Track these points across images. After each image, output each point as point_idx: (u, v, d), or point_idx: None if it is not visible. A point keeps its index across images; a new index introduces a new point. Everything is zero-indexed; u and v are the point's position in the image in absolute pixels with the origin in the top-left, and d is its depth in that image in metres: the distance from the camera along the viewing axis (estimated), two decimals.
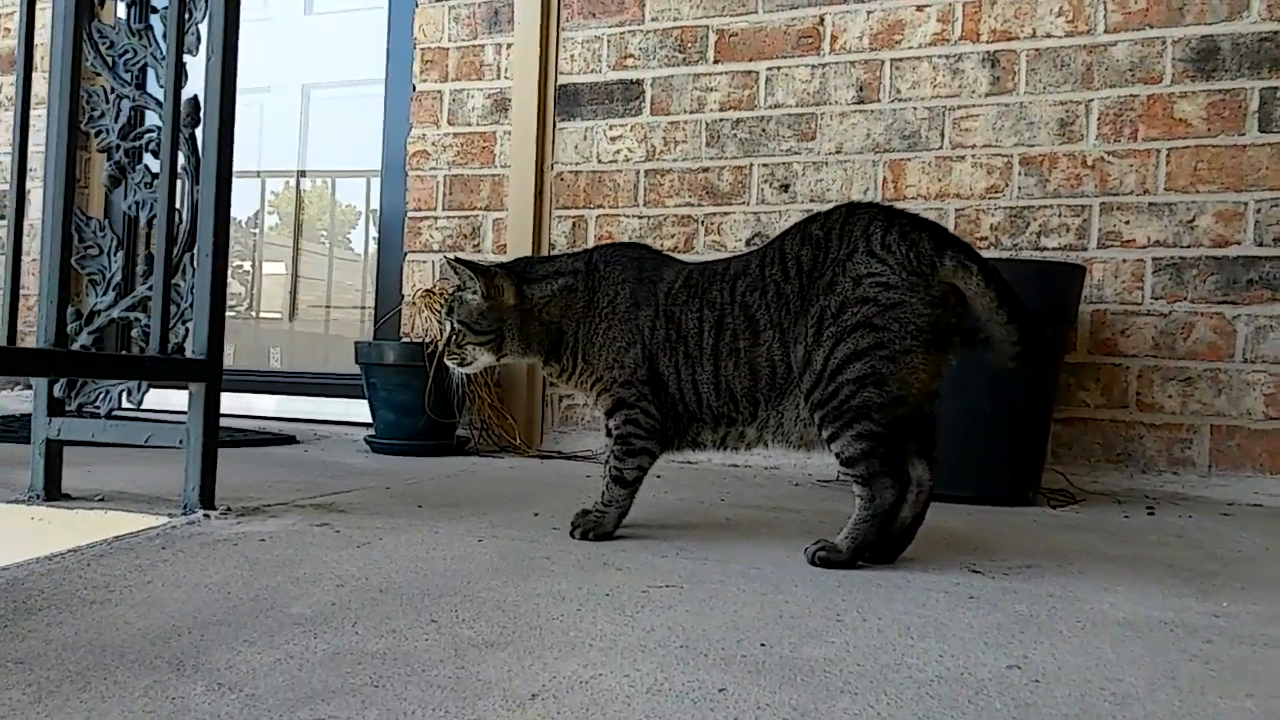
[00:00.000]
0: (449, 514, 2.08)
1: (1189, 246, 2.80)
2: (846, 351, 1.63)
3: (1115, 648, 1.24)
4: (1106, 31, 2.90)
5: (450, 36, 3.80)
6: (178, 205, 1.99)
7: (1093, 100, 2.91)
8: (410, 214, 3.85)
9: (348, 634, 1.21)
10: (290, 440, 3.51)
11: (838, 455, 1.66)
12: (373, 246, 5.16)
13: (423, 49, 3.85)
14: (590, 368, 1.88)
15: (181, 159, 1.98)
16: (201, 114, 1.98)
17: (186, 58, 1.98)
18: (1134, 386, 2.84)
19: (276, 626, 1.23)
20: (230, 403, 3.89)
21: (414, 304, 3.62)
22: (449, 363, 1.94)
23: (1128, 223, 2.86)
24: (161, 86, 1.99)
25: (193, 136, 2.01)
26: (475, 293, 1.89)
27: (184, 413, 1.90)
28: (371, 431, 3.43)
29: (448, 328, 1.93)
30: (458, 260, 1.90)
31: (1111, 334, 2.85)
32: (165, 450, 1.96)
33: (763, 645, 1.20)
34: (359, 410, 3.94)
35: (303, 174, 5.10)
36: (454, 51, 3.80)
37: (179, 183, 1.97)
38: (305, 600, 1.36)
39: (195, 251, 1.95)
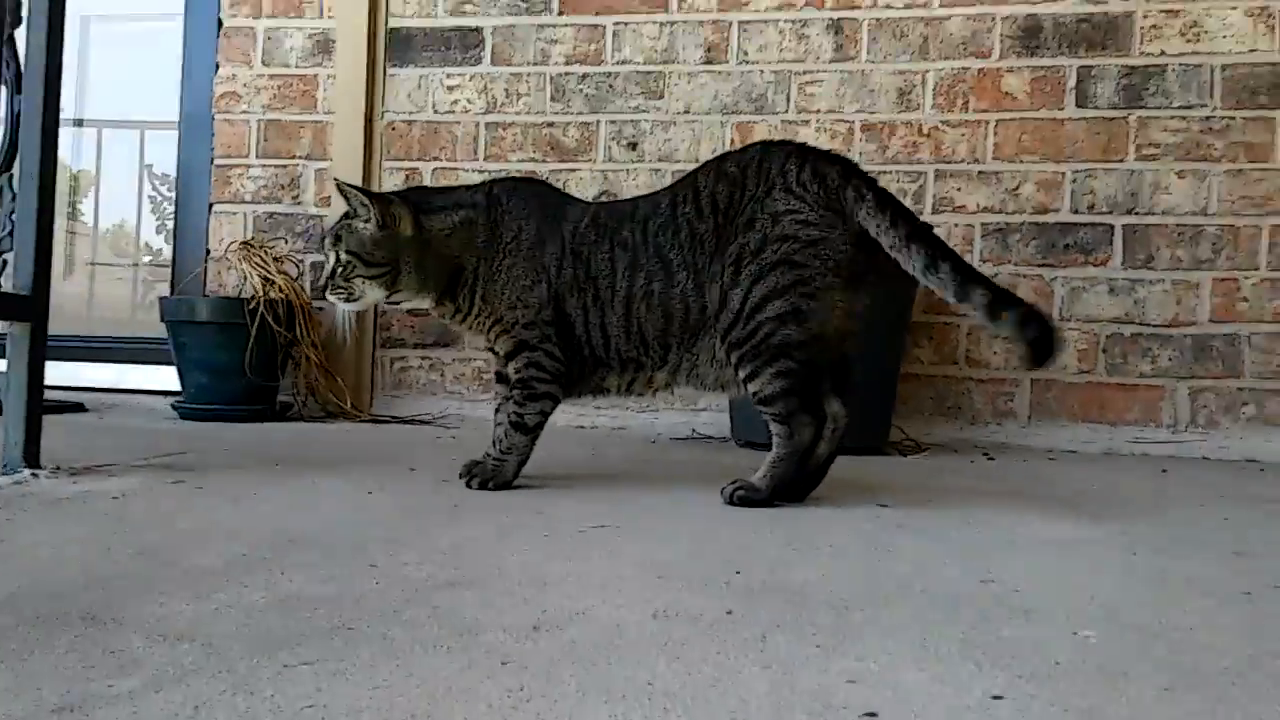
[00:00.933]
0: (316, 471, 1.90)
1: (1014, 213, 2.99)
2: (766, 289, 1.60)
3: (1060, 562, 1.29)
4: (942, 5, 3.04)
5: None
6: None
7: (929, 71, 3.05)
8: (218, 161, 3.50)
9: (280, 582, 1.06)
10: (78, 408, 3.12)
11: (755, 394, 1.64)
12: (147, 208, 4.72)
13: None
14: (490, 307, 1.75)
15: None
16: (25, 12, 1.70)
17: None
18: (964, 344, 3.01)
19: (188, 579, 1.06)
20: None
21: (225, 258, 3.31)
22: (332, 297, 1.75)
23: (959, 189, 3.02)
24: None
25: (12, 39, 1.72)
26: (368, 220, 1.72)
27: None
28: (179, 397, 3.10)
29: (331, 259, 1.74)
30: (348, 185, 1.73)
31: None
32: None
33: (738, 573, 1.15)
34: (140, 377, 3.57)
35: (80, 123, 4.54)
36: None
37: None
38: (206, 553, 1.19)
39: (17, 172, 1.67)
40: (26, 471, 1.63)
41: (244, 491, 1.61)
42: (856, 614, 0.99)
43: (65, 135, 4.60)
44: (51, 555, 1.15)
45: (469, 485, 1.73)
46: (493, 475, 1.73)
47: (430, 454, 2.25)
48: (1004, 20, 3.00)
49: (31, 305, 1.63)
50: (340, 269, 1.73)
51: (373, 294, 1.76)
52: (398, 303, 1.83)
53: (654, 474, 2.09)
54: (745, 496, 1.62)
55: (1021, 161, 2.99)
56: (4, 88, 1.66)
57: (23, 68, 1.66)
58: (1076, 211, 2.95)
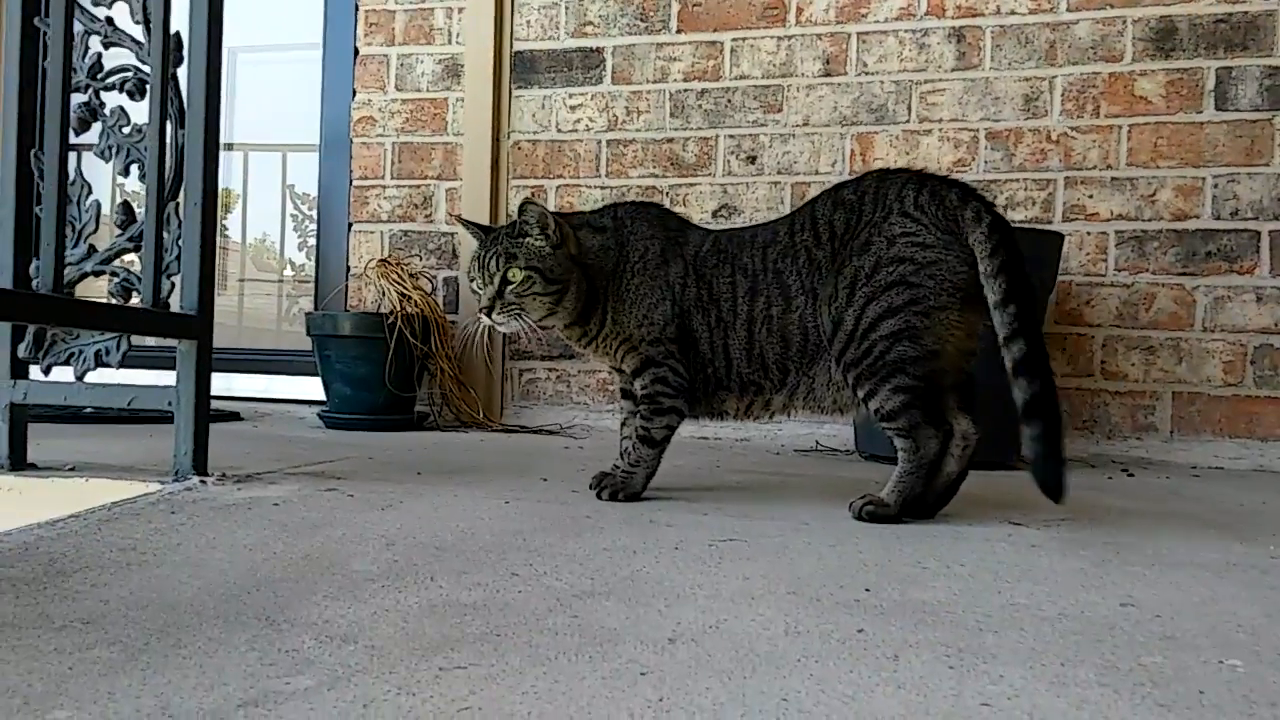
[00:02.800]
0: (455, 480, 1.99)
1: (1150, 220, 2.89)
2: (880, 309, 1.61)
3: (1205, 586, 1.26)
4: (1069, 10, 2.97)
5: None
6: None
7: (1056, 77, 2.98)
8: (356, 182, 3.69)
9: (431, 588, 1.13)
10: (235, 416, 3.32)
11: (876, 411, 1.64)
12: (289, 225, 4.97)
13: (366, 10, 3.69)
14: (618, 327, 1.81)
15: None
16: (185, 53, 1.84)
17: None
18: (1099, 355, 2.92)
19: (350, 583, 1.14)
20: (152, 378, 3.68)
21: (364, 275, 3.47)
22: (500, 318, 1.76)
23: (1091, 196, 2.94)
24: (136, 22, 1.84)
25: (175, 76, 1.86)
26: (543, 238, 1.76)
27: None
28: (324, 407, 3.28)
29: (498, 278, 1.75)
30: (529, 202, 1.76)
31: (1077, 304, 2.93)
32: (130, 426, 1.82)
33: (867, 590, 1.17)
34: (285, 387, 3.78)
35: (229, 147, 4.84)
36: (400, 14, 3.65)
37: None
38: (363, 558, 1.27)
39: (182, 200, 1.81)
40: (196, 478, 1.76)
41: (391, 500, 1.70)
42: (990, 636, 1.00)
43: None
44: (225, 558, 1.25)
45: (599, 496, 1.78)
46: (622, 486, 1.78)
47: (559, 464, 2.33)
48: (1135, 23, 2.92)
49: (198, 324, 1.76)
50: (513, 286, 1.75)
51: (536, 313, 1.78)
52: (548, 325, 1.84)
53: (780, 487, 2.11)
54: (874, 512, 1.62)
55: (1158, 167, 2.89)
56: (170, 122, 1.80)
57: (185, 104, 1.80)
58: (1218, 218, 2.84)
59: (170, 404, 1.77)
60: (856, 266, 1.64)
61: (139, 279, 1.83)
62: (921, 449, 1.62)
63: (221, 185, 4.99)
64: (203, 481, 1.75)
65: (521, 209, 1.77)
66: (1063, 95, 2.97)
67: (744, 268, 1.77)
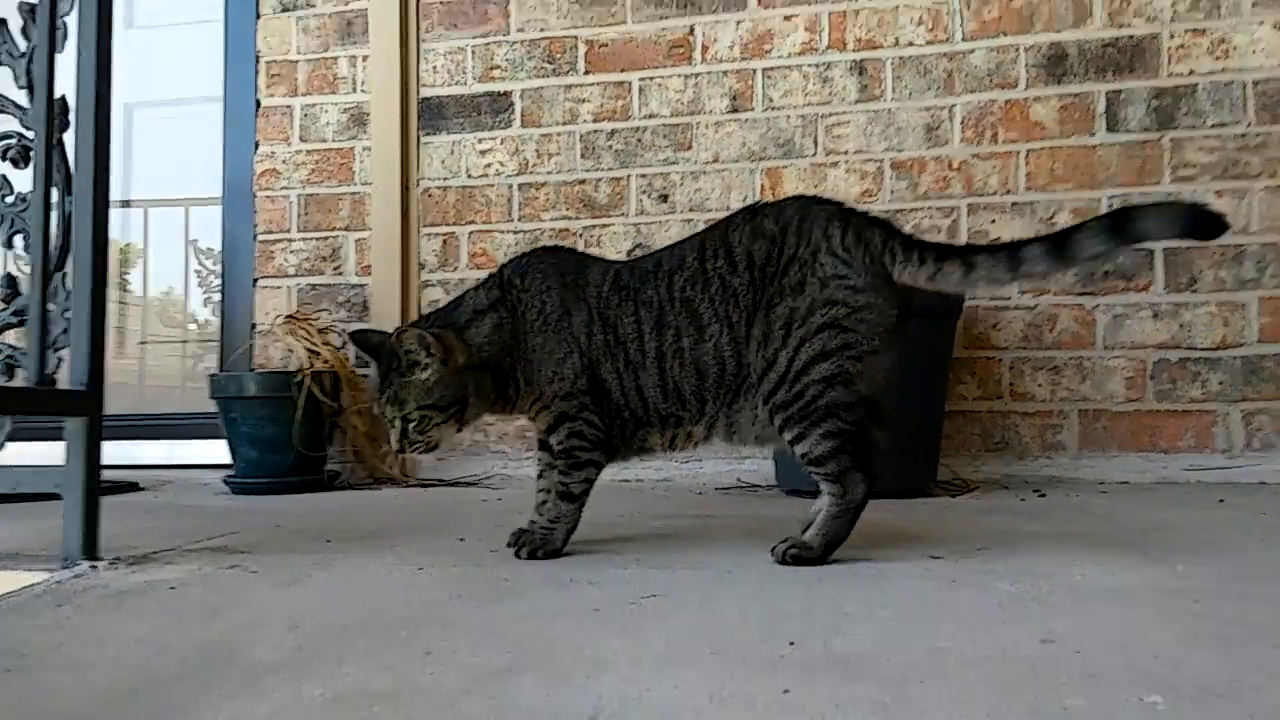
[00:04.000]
0: (366, 547, 1.92)
1: None
2: (813, 352, 1.60)
3: (1122, 615, 1.26)
4: (964, 39, 3.05)
5: (299, 49, 3.59)
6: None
7: (955, 105, 3.05)
8: (261, 237, 3.59)
9: (338, 676, 1.07)
10: (133, 487, 3.18)
11: (804, 456, 1.63)
12: (193, 281, 4.82)
13: (268, 62, 3.62)
14: (531, 387, 1.76)
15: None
16: (72, 117, 1.76)
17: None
18: (1007, 377, 2.97)
19: (249, 676, 1.07)
20: (41, 452, 3.49)
21: (271, 332, 3.37)
22: (414, 453, 1.75)
23: (994, 222, 3.01)
24: (20, 87, 1.76)
25: (61, 142, 1.78)
26: (428, 366, 1.70)
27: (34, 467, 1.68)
28: (230, 472, 3.16)
29: (398, 422, 1.72)
30: (404, 332, 1.70)
31: (984, 328, 2.98)
32: (17, 506, 1.71)
33: (792, 644, 1.14)
34: (190, 452, 3.64)
35: (127, 204, 4.68)
36: (304, 64, 3.59)
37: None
38: (264, 646, 1.20)
39: (70, 270, 1.72)
40: (86, 564, 1.66)
41: (297, 575, 1.63)
42: (916, 687, 0.97)
43: (114, 215, 4.76)
44: (114, 656, 1.17)
45: (518, 554, 1.73)
46: (541, 544, 1.73)
47: (476, 519, 2.26)
48: (1028, 50, 3.01)
49: (87, 400, 1.67)
50: (413, 425, 1.72)
51: (449, 432, 1.76)
52: (468, 425, 1.82)
53: (703, 532, 2.08)
54: (798, 555, 1.60)
55: (1055, 190, 2.97)
56: (56, 189, 1.72)
57: (73, 169, 1.72)
58: None
59: (57, 486, 1.67)
60: (791, 307, 1.63)
61: (25, 354, 1.74)
62: (849, 493, 1.61)
63: (122, 241, 4.84)
64: (93, 567, 1.65)
65: (399, 341, 1.71)
66: (962, 123, 3.04)
67: (648, 301, 1.73)
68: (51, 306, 1.69)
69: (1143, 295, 2.89)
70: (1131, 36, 2.94)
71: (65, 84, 1.78)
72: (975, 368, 2.98)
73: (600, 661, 1.09)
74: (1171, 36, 2.91)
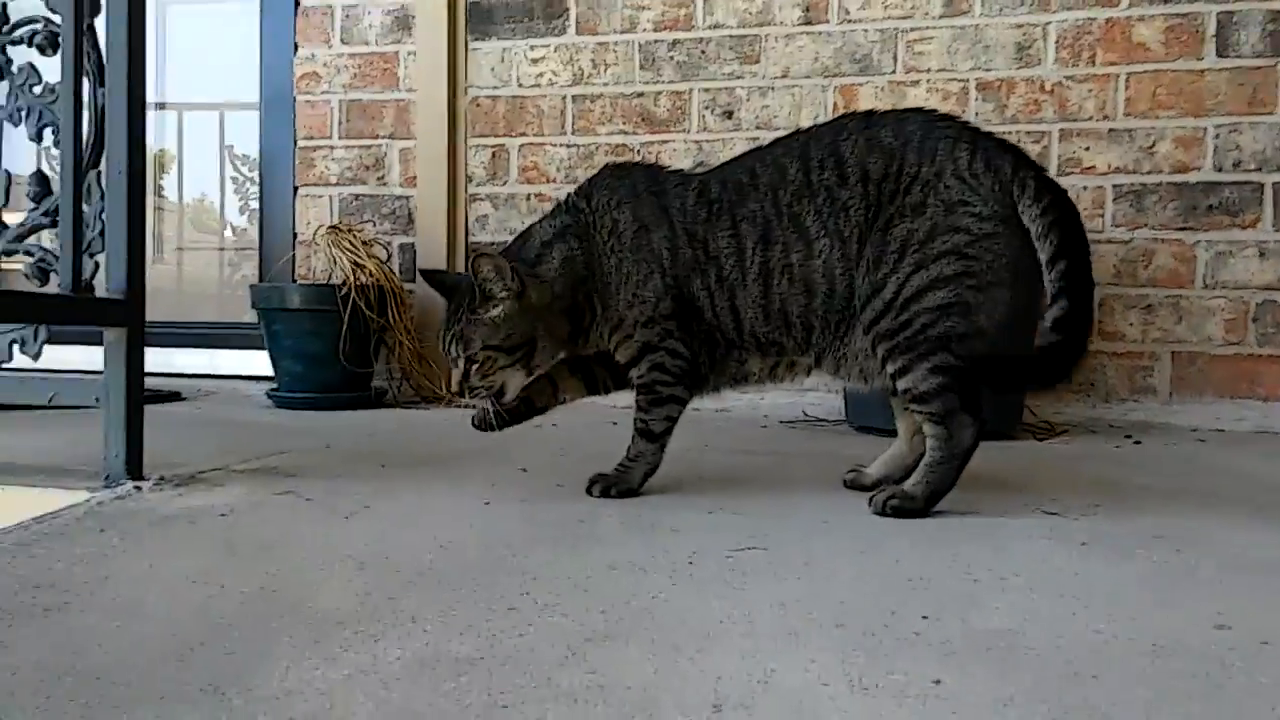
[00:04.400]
0: (425, 474, 1.80)
1: (1149, 173, 2.75)
2: (928, 278, 1.45)
3: None
4: None
5: None
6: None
7: (1050, 23, 2.81)
8: (301, 143, 3.43)
9: (414, 634, 0.94)
10: (175, 396, 3.08)
11: (907, 391, 1.48)
12: (230, 188, 4.67)
13: None
14: (608, 316, 1.61)
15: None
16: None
17: None
18: (1095, 315, 2.79)
19: (317, 630, 0.95)
20: (83, 357, 3.39)
21: (314, 242, 3.23)
22: (475, 400, 1.61)
23: (1087, 149, 2.79)
24: None
25: (92, 27, 1.62)
26: (501, 301, 1.55)
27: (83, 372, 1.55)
28: (273, 385, 3.05)
29: (461, 362, 1.58)
30: (480, 254, 1.54)
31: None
32: (54, 414, 1.60)
33: (925, 619, 1.01)
34: (230, 362, 3.54)
35: (161, 106, 4.51)
36: None
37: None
38: (329, 591, 1.08)
39: (104, 168, 1.57)
40: (130, 484, 1.55)
41: (356, 503, 1.51)
42: (1091, 685, 0.84)
43: (148, 119, 4.60)
44: (164, 598, 1.05)
45: (590, 491, 1.61)
46: (616, 482, 1.60)
47: (535, 448, 2.14)
48: None
49: (127, 310, 1.54)
50: (476, 366, 1.58)
51: (516, 377, 1.61)
52: (537, 371, 1.65)
53: (779, 471, 1.95)
54: (899, 506, 1.46)
55: (1157, 117, 2.75)
56: (86, 80, 1.56)
57: (104, 58, 1.56)
58: (1220, 170, 2.70)
59: (98, 400, 1.55)
60: (910, 228, 1.47)
61: (58, 258, 1.60)
62: (955, 437, 1.46)
63: (155, 146, 4.69)
64: (137, 487, 1.54)
65: (473, 267, 1.55)
66: (1057, 43, 2.81)
67: (750, 215, 1.57)
68: (85, 207, 1.55)
69: (1249, 232, 2.68)
70: None
71: None
72: None
73: (708, 632, 0.96)
74: None
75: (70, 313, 1.53)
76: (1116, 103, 2.77)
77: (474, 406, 1.67)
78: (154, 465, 1.70)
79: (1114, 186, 2.77)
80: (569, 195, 1.69)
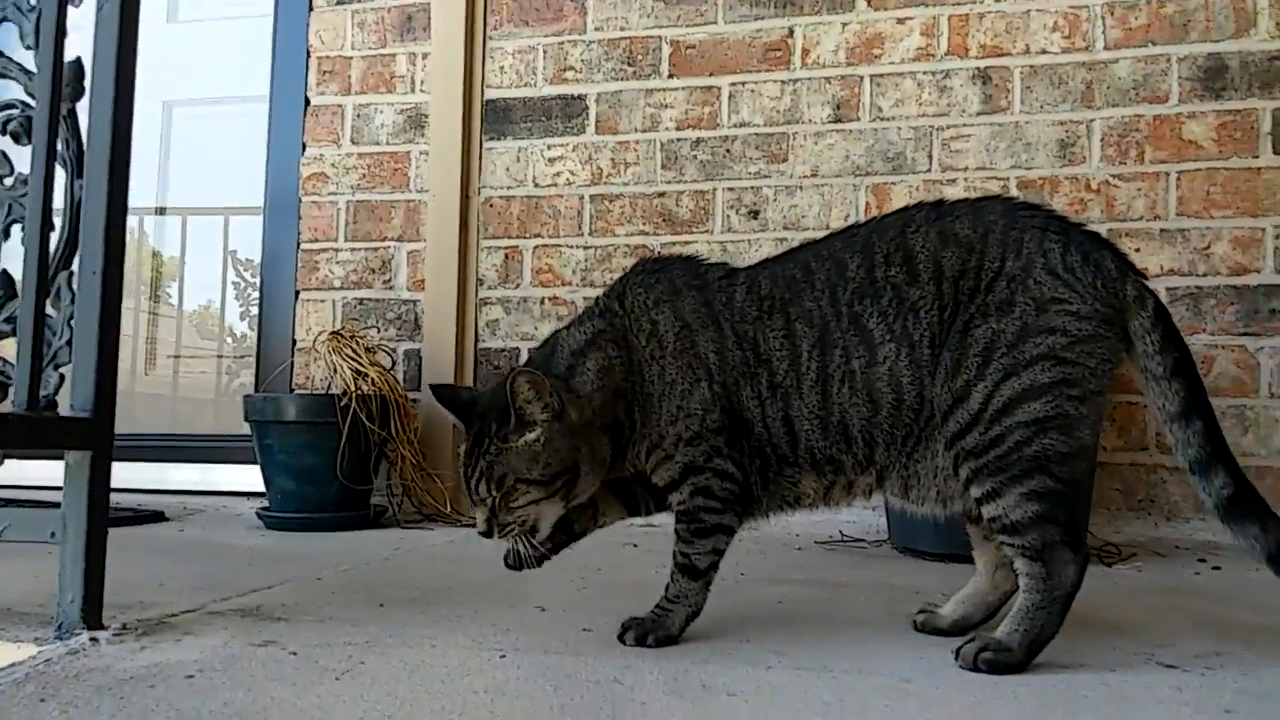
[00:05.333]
0: (428, 617, 1.57)
1: (1205, 275, 2.58)
2: (1021, 386, 1.25)
3: None
4: (1106, 48, 2.68)
5: (354, 44, 3.29)
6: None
7: (1094, 120, 2.69)
8: (305, 245, 3.29)
9: None
10: (158, 516, 2.85)
11: (995, 519, 1.27)
12: (231, 293, 4.53)
13: (320, 58, 3.33)
14: (647, 432, 1.40)
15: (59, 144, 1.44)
16: (87, 84, 1.45)
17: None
18: (1153, 426, 2.58)
19: None
20: (52, 473, 3.17)
21: (313, 349, 3.05)
22: (508, 540, 1.40)
23: (1138, 250, 2.63)
24: (27, 48, 1.45)
25: (73, 113, 1.47)
26: (538, 424, 1.34)
27: (43, 490, 1.34)
28: (264, 503, 2.83)
29: (489, 499, 1.37)
30: (519, 373, 1.33)
31: (1127, 369, 2.59)
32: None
33: None
34: (224, 477, 3.33)
35: (162, 211, 4.40)
36: (359, 61, 3.29)
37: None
38: None
39: (77, 268, 1.39)
40: (86, 634, 1.32)
41: (346, 660, 1.28)
42: None
43: (148, 223, 4.49)
44: None
45: (623, 639, 1.37)
46: (655, 628, 1.37)
47: (553, 578, 1.90)
48: (1181, 61, 2.64)
49: (93, 430, 1.34)
50: (507, 504, 1.37)
51: (553, 512, 1.39)
52: (578, 501, 1.43)
53: (834, 606, 1.71)
54: (993, 659, 1.23)
55: (1212, 217, 2.60)
56: (64, 170, 1.40)
57: (85, 147, 1.39)
58: None
59: (54, 534, 1.34)
60: (995, 330, 1.28)
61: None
62: (1055, 576, 1.24)
63: (160, 251, 4.56)
64: (94, 639, 1.31)
65: (511, 387, 1.33)
66: (1102, 140, 2.68)
67: (806, 315, 1.38)
68: (53, 313, 1.37)
69: None
70: None
71: (81, 46, 1.47)
72: (1115, 414, 2.60)
73: None
74: None
75: (27, 433, 1.32)
76: (1168, 202, 2.62)
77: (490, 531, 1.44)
78: (119, 605, 1.48)
79: (1168, 289, 2.60)
80: (599, 297, 1.51)
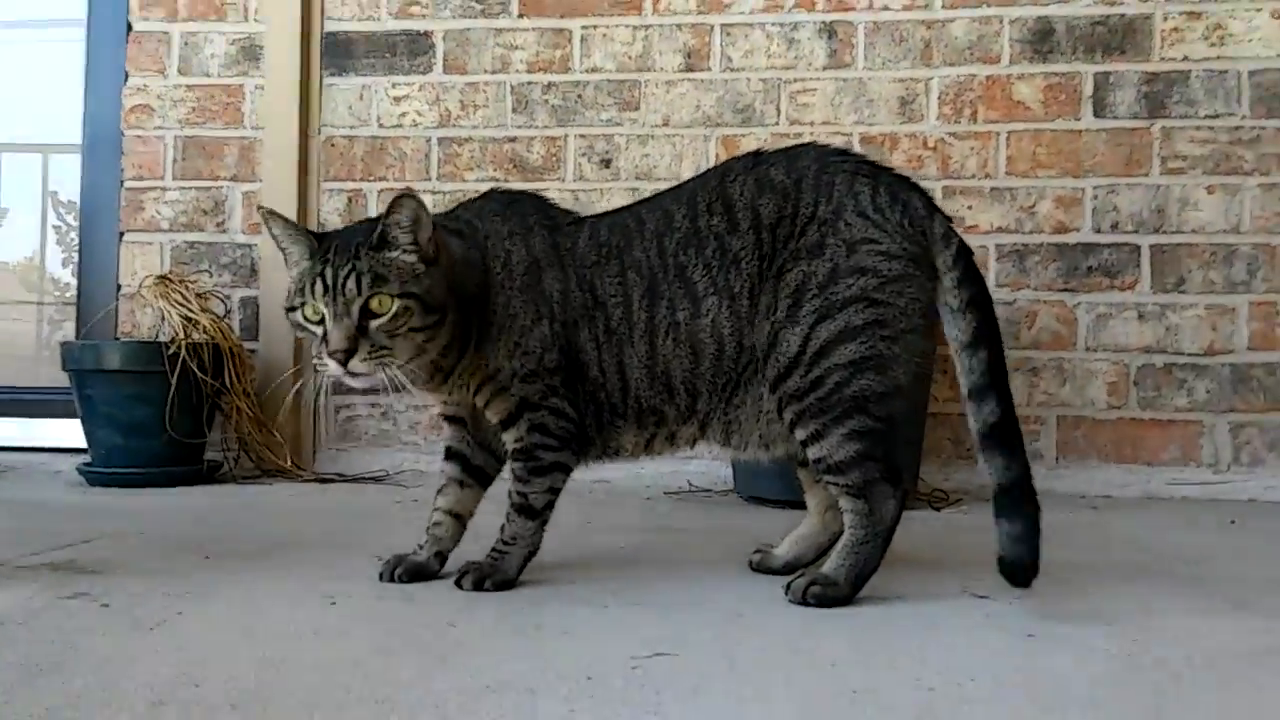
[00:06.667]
0: (257, 566, 1.51)
1: (1030, 232, 2.72)
2: (836, 328, 1.28)
3: None
4: (944, 7, 2.76)
5: None
6: None
7: (932, 78, 2.77)
8: (129, 184, 3.07)
9: None
10: None
11: (819, 460, 1.30)
12: (52, 238, 4.23)
13: None
14: (480, 359, 1.37)
15: None
16: None
17: None
18: None
19: None
20: None
21: (140, 295, 2.87)
22: (364, 367, 1.23)
23: (970, 207, 2.74)
24: None
25: None
26: (414, 251, 1.26)
27: None
28: (86, 459, 2.65)
29: (355, 309, 1.24)
30: (406, 193, 1.25)
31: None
32: None
33: None
34: (47, 432, 3.10)
35: None
36: None
37: None
38: None
39: None
40: None
41: (165, 609, 1.21)
42: None
43: None
44: None
45: (460, 584, 1.35)
46: (492, 572, 1.35)
47: (393, 529, 1.86)
48: (1013, 23, 2.75)
49: None
50: (383, 321, 1.24)
51: (404, 356, 1.27)
52: (410, 371, 1.28)
53: (675, 551, 1.74)
54: (821, 594, 1.27)
55: (1037, 176, 2.73)
56: None
57: None
58: (1099, 230, 2.69)
59: None
60: (805, 272, 1.30)
61: None
62: (876, 512, 1.29)
63: None
64: None
65: (395, 204, 1.25)
66: (940, 98, 2.77)
67: (636, 264, 1.38)
68: None
69: (1128, 294, 2.67)
70: (1123, 15, 2.71)
71: None
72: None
73: None
74: (1165, 18, 2.69)
75: None
76: (998, 161, 2.74)
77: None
78: None
79: (996, 246, 2.73)
80: (466, 208, 1.47)
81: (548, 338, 1.36)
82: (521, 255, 1.39)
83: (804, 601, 1.27)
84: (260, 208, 1.31)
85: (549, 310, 1.37)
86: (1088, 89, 2.71)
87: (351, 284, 1.24)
